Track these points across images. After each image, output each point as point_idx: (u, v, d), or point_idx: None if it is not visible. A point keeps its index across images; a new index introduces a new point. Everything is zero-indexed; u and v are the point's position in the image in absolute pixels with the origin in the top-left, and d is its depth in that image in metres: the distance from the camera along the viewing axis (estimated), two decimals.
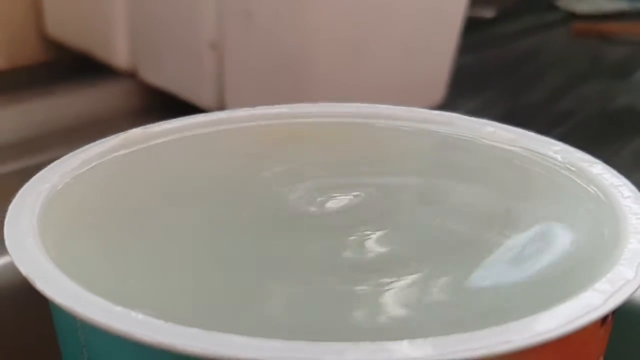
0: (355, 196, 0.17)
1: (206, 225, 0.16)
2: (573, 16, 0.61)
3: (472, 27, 0.42)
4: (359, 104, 0.21)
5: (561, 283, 0.14)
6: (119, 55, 0.36)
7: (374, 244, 0.15)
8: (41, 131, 0.34)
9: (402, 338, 0.11)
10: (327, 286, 0.14)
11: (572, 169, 0.17)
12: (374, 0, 0.31)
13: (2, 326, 0.23)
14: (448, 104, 0.37)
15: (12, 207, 0.15)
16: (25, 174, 0.16)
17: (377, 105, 0.21)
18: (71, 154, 0.17)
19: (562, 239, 0.15)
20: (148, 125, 0.19)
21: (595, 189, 0.16)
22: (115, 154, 0.18)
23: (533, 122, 0.19)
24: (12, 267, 0.23)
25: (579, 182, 0.17)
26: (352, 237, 0.16)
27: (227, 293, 0.14)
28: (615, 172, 0.17)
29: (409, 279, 0.14)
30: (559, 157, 0.18)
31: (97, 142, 0.18)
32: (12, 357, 0.23)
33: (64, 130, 0.34)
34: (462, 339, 0.11)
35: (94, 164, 0.17)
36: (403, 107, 0.20)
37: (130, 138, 0.18)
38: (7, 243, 0.13)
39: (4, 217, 0.14)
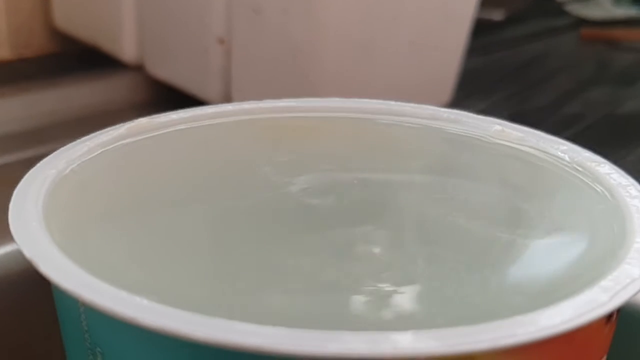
0: (360, 191, 0.17)
1: (208, 215, 0.16)
2: (582, 21, 0.60)
3: (481, 29, 0.42)
4: (366, 100, 0.21)
5: (568, 280, 0.14)
6: (127, 48, 0.36)
7: (378, 240, 0.15)
8: (47, 122, 0.34)
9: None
10: (330, 280, 0.14)
11: (580, 168, 0.17)
12: None
13: (4, 314, 0.23)
14: (456, 106, 0.37)
15: (17, 192, 0.15)
16: (31, 164, 0.16)
17: (385, 101, 0.21)
18: (77, 141, 0.17)
19: (569, 238, 0.15)
20: (154, 115, 0.19)
21: (602, 188, 0.16)
22: (121, 142, 0.18)
23: (541, 125, 0.19)
24: (14, 255, 0.23)
25: (586, 181, 0.17)
26: (357, 232, 0.15)
27: (225, 283, 0.14)
28: (622, 172, 0.17)
29: (416, 275, 0.14)
30: (566, 156, 0.18)
31: (104, 130, 0.18)
32: (15, 344, 0.23)
33: (70, 121, 0.34)
34: (466, 331, 0.11)
35: (99, 151, 0.17)
36: (411, 104, 0.20)
37: (137, 127, 0.18)
38: (11, 226, 0.13)
39: (9, 205, 0.14)
